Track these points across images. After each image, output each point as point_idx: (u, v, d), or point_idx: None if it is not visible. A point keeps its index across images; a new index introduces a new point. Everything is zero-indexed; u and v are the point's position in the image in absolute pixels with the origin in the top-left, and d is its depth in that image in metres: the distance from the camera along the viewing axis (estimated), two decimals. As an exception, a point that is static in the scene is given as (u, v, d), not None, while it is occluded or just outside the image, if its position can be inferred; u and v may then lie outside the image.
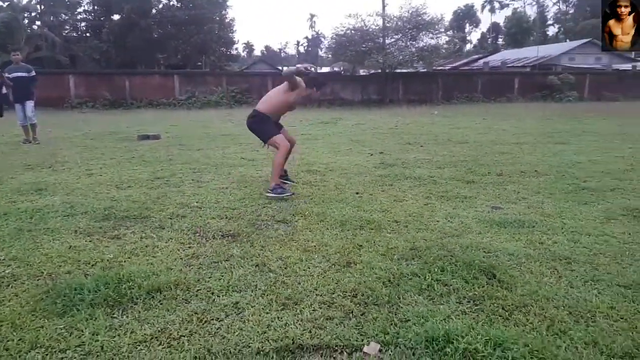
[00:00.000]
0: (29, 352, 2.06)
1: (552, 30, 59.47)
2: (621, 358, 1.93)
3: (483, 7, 71.38)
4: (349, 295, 2.55)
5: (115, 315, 2.37)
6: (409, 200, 4.63)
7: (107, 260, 3.12)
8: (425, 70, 28.89)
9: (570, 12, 58.21)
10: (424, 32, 25.92)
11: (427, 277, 2.72)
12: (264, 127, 5.05)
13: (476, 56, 44.48)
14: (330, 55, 32.52)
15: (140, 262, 3.06)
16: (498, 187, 5.23)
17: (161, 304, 2.51)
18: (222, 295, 2.60)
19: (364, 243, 3.39)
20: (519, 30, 51.91)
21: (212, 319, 2.34)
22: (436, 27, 25.39)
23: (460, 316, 2.29)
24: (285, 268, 2.96)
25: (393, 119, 15.92)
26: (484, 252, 3.15)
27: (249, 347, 2.08)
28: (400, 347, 2.03)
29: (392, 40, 25.87)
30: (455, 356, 1.92)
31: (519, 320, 2.25)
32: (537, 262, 3.00)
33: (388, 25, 25.83)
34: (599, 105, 23.56)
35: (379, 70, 26.26)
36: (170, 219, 4.13)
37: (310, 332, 2.18)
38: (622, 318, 2.26)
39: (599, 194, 4.82)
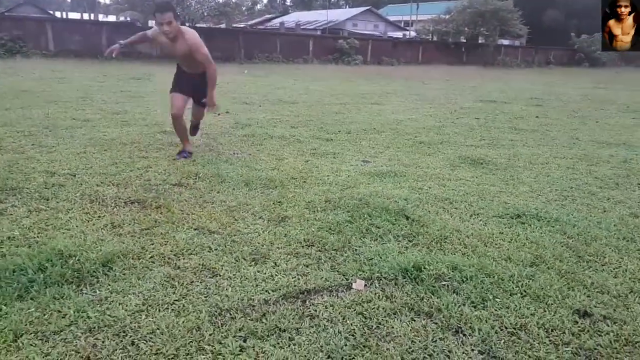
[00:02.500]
0: (16, 340, 1.84)
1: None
2: (530, 266, 2.63)
3: (271, -34, 72.67)
4: (307, 245, 2.80)
5: (85, 291, 2.21)
6: (290, 159, 4.93)
7: (15, 238, 2.75)
8: (224, 26, 28.63)
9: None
10: (224, -13, 25.54)
11: (361, 223, 3.12)
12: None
13: (269, 16, 45.55)
14: (113, 2, 29.74)
15: (63, 236, 2.78)
16: (354, 143, 5.88)
17: (124, 274, 2.40)
18: (182, 259, 2.60)
19: (281, 199, 3.61)
20: (307, -6, 54.90)
21: (193, 281, 2.36)
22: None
23: (407, 250, 2.76)
24: (226, 228, 3.03)
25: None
26: (385, 198, 3.68)
27: (253, 299, 2.20)
28: (382, 280, 2.40)
29: (192, -7, 24.89)
30: (430, 280, 2.38)
31: (448, 249, 2.82)
32: (427, 204, 3.64)
33: (187, -24, 24.69)
34: (381, 68, 26.67)
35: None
36: (47, 188, 3.69)
37: (299, 279, 2.40)
38: (512, 239, 3.01)
39: (433, 147, 5.83)
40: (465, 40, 36.07)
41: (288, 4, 61.90)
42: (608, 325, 2.09)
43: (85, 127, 6.16)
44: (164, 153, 4.99)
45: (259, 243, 2.81)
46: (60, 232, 2.86)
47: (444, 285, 2.35)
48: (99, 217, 3.18)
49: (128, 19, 29.61)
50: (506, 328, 2.04)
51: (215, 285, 2.33)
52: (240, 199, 3.60)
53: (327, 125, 7.07)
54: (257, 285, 2.33)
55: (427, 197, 3.80)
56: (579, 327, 2.07)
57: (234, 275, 2.43)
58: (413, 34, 39.12)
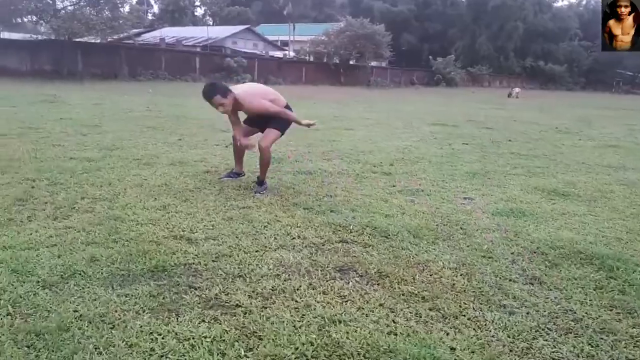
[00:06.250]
0: None
1: (199, 12, 62.60)
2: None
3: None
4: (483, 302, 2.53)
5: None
6: (393, 200, 4.52)
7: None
8: (100, 41, 26.28)
9: (214, -4, 62.33)
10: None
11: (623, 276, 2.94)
12: None
13: (136, 30, 42.41)
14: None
15: (390, 336, 2.14)
16: (413, 176, 5.61)
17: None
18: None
19: (483, 253, 3.25)
20: (177, 8, 52.46)
21: None
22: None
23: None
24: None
25: (124, 98, 14.04)
26: (559, 242, 3.51)
27: None
28: None
29: (70, 4, 22.31)
30: None
31: None
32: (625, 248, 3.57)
33: (61, -16, 22.12)
34: (278, 88, 26.48)
35: (53, 37, 22.36)
36: (215, 262, 2.87)
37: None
38: None
39: (490, 177, 5.79)
40: (339, 62, 37.33)
41: (150, 17, 58.58)
42: None
43: (105, 170, 5.04)
44: (256, 201, 4.25)
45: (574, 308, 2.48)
46: (362, 329, 2.20)
47: None
48: (347, 299, 2.54)
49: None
50: None
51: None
52: (445, 257, 3.17)
53: (352, 155, 6.71)
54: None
55: (601, 239, 3.72)
56: None
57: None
58: (292, 53, 39.71)
